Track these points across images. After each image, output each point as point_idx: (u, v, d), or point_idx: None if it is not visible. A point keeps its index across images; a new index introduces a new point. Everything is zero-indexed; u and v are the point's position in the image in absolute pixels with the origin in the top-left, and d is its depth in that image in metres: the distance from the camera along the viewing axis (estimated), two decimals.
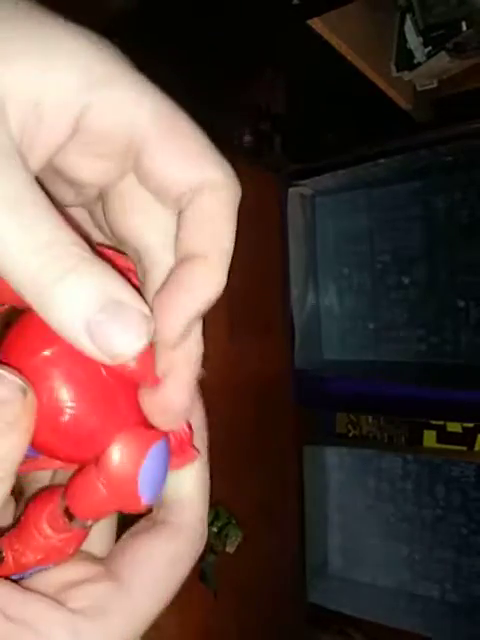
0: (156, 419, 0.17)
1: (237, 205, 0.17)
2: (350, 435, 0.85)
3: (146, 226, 0.17)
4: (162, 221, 0.17)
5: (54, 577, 0.18)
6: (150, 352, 0.17)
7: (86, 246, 0.14)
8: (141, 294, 0.15)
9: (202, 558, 0.59)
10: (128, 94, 0.15)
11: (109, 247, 0.18)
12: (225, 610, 0.68)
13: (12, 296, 0.17)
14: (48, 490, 0.18)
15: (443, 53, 0.72)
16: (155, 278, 0.17)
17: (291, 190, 0.74)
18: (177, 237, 0.17)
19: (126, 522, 0.20)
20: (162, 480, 0.17)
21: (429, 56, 0.73)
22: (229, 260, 0.17)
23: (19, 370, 0.16)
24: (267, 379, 0.75)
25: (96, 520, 0.18)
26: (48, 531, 0.17)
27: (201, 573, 0.63)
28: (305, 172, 0.72)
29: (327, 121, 0.72)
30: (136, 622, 0.17)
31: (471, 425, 0.73)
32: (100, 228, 0.19)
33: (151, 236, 0.17)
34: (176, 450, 0.18)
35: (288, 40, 0.62)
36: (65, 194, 0.18)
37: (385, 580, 0.83)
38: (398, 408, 0.75)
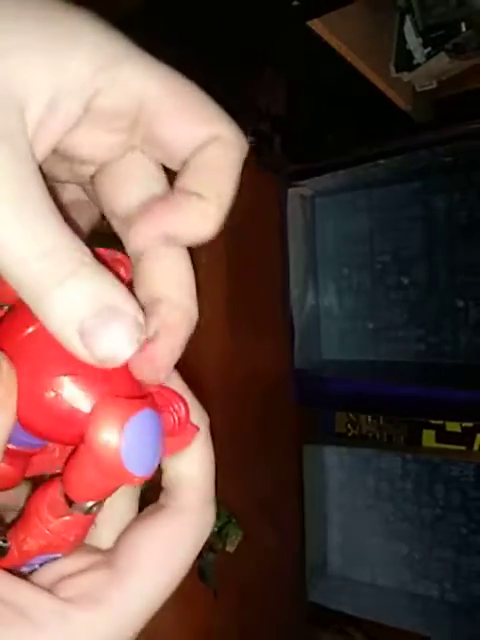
0: (142, 371, 0.16)
1: (242, 160, 0.17)
2: (350, 435, 0.85)
3: (144, 197, 0.17)
4: (160, 191, 0.17)
5: (51, 570, 0.17)
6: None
7: (87, 250, 0.14)
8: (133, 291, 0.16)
9: (202, 557, 0.59)
10: (135, 71, 0.15)
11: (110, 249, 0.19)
12: (225, 609, 0.68)
13: (13, 297, 0.17)
14: (51, 479, 0.18)
15: (442, 54, 0.72)
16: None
17: (291, 190, 0.74)
18: (177, 180, 0.17)
19: None
20: (154, 451, 0.16)
21: (428, 57, 0.73)
22: (227, 207, 0.17)
23: (3, 350, 0.16)
24: (267, 379, 0.76)
25: (95, 502, 0.17)
26: (48, 517, 0.17)
27: (201, 572, 0.63)
28: (305, 172, 0.72)
29: (327, 122, 0.72)
30: (132, 610, 0.17)
31: (470, 425, 0.73)
32: (93, 201, 0.19)
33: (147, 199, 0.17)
34: (173, 430, 0.17)
35: (288, 41, 0.62)
36: (60, 172, 0.18)
37: (385, 579, 0.83)
38: (397, 408, 0.75)
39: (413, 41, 0.73)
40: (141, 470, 0.16)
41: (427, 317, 0.76)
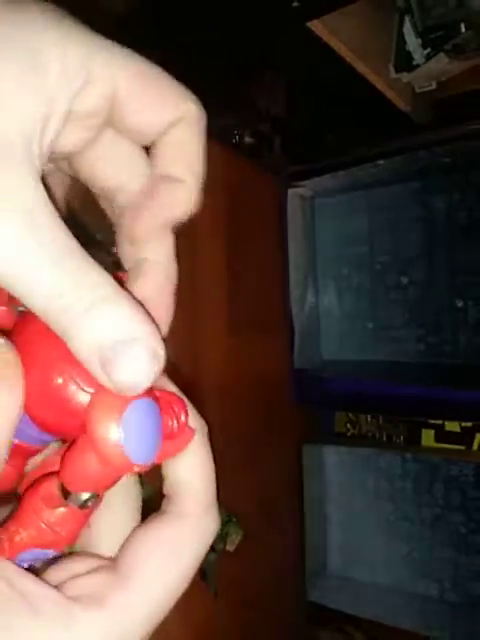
0: None
1: (204, 132, 0.18)
2: (349, 434, 0.85)
3: (123, 169, 0.19)
4: (136, 160, 0.19)
5: (59, 571, 0.18)
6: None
7: (110, 281, 0.15)
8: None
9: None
10: (103, 67, 0.16)
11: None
12: (225, 608, 0.68)
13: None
14: (47, 473, 0.18)
15: (442, 55, 0.73)
16: (123, 200, 0.19)
17: (291, 191, 0.74)
18: (153, 164, 0.18)
19: None
20: (153, 440, 0.16)
21: (428, 58, 0.74)
22: (202, 178, 0.19)
23: (19, 342, 0.16)
24: (267, 378, 0.76)
25: (91, 494, 0.17)
26: (43, 509, 0.17)
27: (202, 572, 0.63)
28: (305, 173, 0.73)
29: (326, 122, 0.72)
30: (136, 614, 0.17)
31: (469, 424, 0.73)
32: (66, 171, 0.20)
33: (129, 175, 0.19)
34: (172, 433, 0.18)
35: (288, 42, 0.62)
36: None
37: (384, 578, 0.83)
38: (397, 407, 0.75)
39: (412, 42, 0.73)
40: (140, 458, 0.16)
41: (427, 317, 0.76)
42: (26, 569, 0.17)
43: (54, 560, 0.18)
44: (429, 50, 0.73)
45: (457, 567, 0.78)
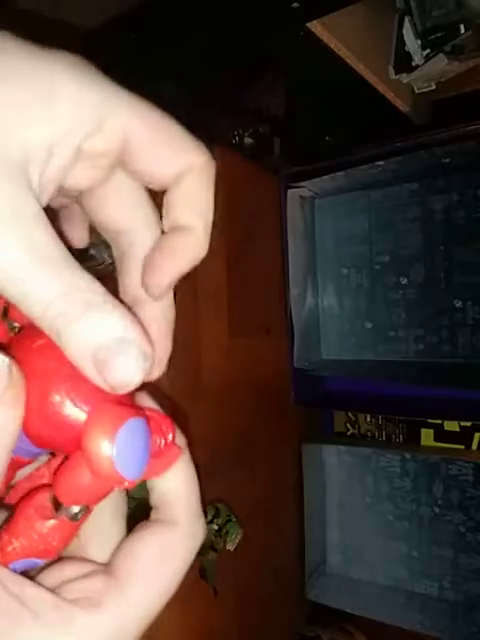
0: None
1: (214, 181, 0.19)
2: (349, 434, 0.85)
3: (128, 213, 0.20)
4: (142, 207, 0.20)
5: (51, 575, 0.18)
6: None
7: (99, 287, 0.16)
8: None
9: (203, 555, 0.59)
10: (118, 114, 0.17)
11: None
12: (225, 607, 0.68)
13: (24, 318, 0.18)
14: (40, 485, 0.19)
15: (441, 55, 0.73)
16: (137, 253, 0.20)
17: (290, 192, 0.75)
18: (165, 213, 0.19)
19: None
20: (142, 457, 0.17)
21: (427, 59, 0.74)
22: (210, 229, 0.19)
23: (16, 359, 0.17)
24: (266, 378, 0.76)
25: (82, 507, 0.18)
26: (35, 519, 0.18)
27: (202, 570, 0.63)
28: (304, 174, 0.73)
29: (326, 123, 0.73)
30: (132, 615, 0.18)
31: (468, 424, 0.73)
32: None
33: (134, 220, 0.20)
34: (160, 452, 0.19)
35: (287, 43, 0.62)
36: None
37: (384, 578, 0.84)
38: (396, 407, 0.75)
39: (412, 43, 0.74)
40: (131, 474, 0.17)
41: (425, 317, 0.76)
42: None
43: (44, 567, 0.19)
44: (428, 51, 0.73)
45: (456, 566, 0.78)
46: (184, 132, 0.18)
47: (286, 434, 0.81)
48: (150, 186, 0.19)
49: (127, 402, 0.18)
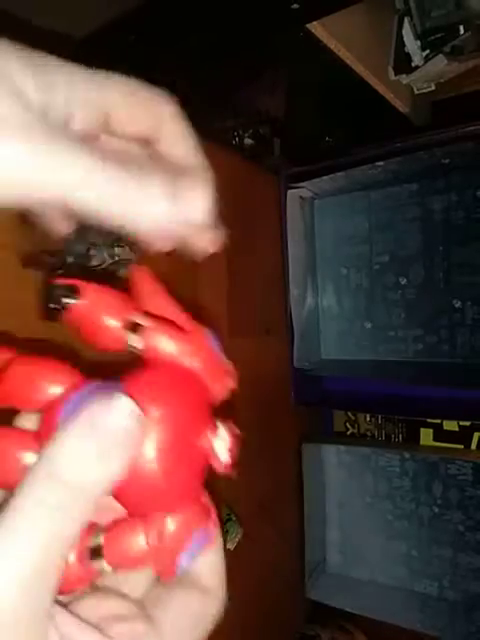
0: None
1: (187, 122, 0.22)
2: (348, 433, 0.86)
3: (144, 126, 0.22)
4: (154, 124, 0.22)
5: (96, 607, 0.19)
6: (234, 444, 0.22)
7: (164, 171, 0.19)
8: None
9: None
10: (93, 93, 0.19)
11: None
12: (225, 606, 0.69)
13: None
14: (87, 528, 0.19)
15: (441, 56, 0.73)
16: (161, 148, 0.22)
17: (290, 192, 0.75)
18: (154, 155, 0.22)
19: None
20: (195, 556, 0.19)
21: (427, 59, 0.74)
22: (199, 149, 0.23)
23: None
24: (266, 378, 0.76)
25: (120, 570, 0.19)
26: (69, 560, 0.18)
27: None
28: (304, 174, 0.73)
29: (326, 124, 0.73)
30: None
31: (468, 423, 0.73)
32: None
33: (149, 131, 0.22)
34: (209, 539, 0.20)
35: (287, 44, 0.62)
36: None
37: (383, 577, 0.84)
38: (395, 406, 0.76)
39: (411, 44, 0.74)
40: (183, 570, 0.19)
41: (425, 317, 0.76)
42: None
43: (83, 597, 0.20)
44: (428, 52, 0.73)
45: (455, 565, 0.78)
46: (149, 89, 0.21)
47: (286, 434, 0.81)
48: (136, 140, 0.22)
49: (205, 497, 0.20)
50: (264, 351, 0.76)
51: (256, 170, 0.72)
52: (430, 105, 0.79)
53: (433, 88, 0.75)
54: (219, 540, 0.22)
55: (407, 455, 0.80)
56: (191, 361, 0.21)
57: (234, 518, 0.66)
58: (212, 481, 0.23)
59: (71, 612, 0.18)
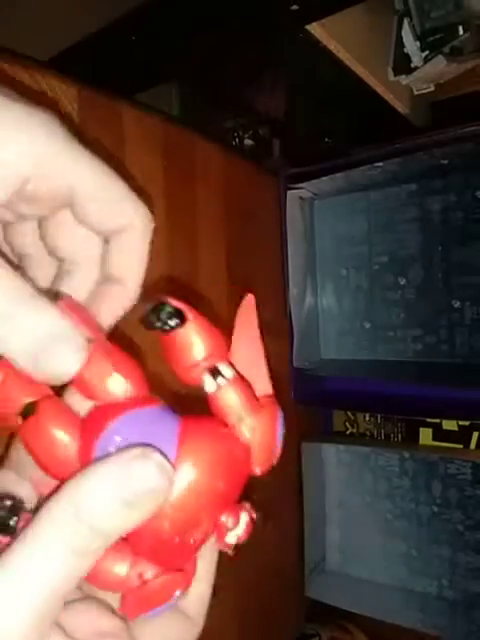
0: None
1: (149, 241, 0.22)
2: (348, 433, 0.86)
3: (74, 244, 0.22)
4: (88, 242, 0.22)
5: (84, 621, 0.20)
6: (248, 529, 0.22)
7: (27, 286, 0.18)
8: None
9: None
10: (68, 171, 0.19)
11: None
12: (225, 605, 0.69)
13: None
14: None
15: (440, 57, 0.73)
16: (77, 280, 0.22)
17: (290, 193, 0.75)
18: (104, 261, 0.22)
19: None
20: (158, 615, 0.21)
21: (426, 60, 0.74)
22: (142, 281, 0.22)
23: None
24: None
25: (89, 583, 0.19)
26: None
27: None
28: (304, 175, 0.73)
29: (325, 125, 0.73)
30: None
31: (467, 423, 0.74)
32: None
33: (79, 252, 0.22)
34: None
35: (287, 45, 0.62)
36: None
37: (383, 576, 0.84)
38: (395, 406, 0.76)
39: (411, 44, 0.74)
40: (141, 618, 0.20)
41: (424, 317, 0.77)
42: None
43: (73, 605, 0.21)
44: (427, 52, 0.74)
45: (455, 565, 0.78)
46: (128, 190, 0.21)
47: (285, 433, 0.81)
48: (97, 233, 0.21)
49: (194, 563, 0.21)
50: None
51: (256, 171, 0.72)
52: (429, 106, 0.79)
53: (432, 89, 0.75)
54: (206, 579, 0.24)
55: (406, 455, 0.81)
56: (249, 436, 0.21)
57: None
58: None
59: (62, 630, 0.19)
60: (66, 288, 0.22)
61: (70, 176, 0.19)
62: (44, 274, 0.22)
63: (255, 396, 0.23)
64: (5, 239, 0.23)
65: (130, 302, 0.22)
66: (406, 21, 0.73)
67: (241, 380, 0.22)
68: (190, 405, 0.21)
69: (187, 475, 0.18)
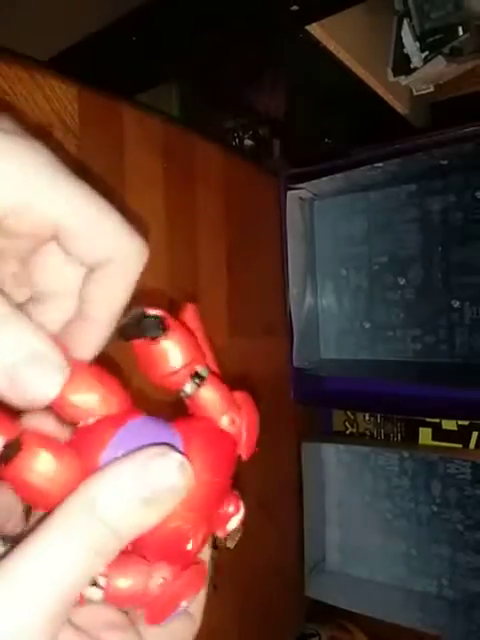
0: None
1: (139, 269, 0.20)
2: (347, 432, 0.86)
3: (53, 279, 0.21)
4: (67, 277, 0.21)
5: (91, 614, 0.20)
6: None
7: (5, 303, 0.17)
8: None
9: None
10: (53, 206, 0.18)
11: None
12: (224, 604, 0.69)
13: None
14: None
15: (440, 58, 0.73)
16: (53, 313, 0.21)
17: (290, 193, 0.75)
18: (82, 292, 0.20)
19: None
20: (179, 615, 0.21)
21: (426, 61, 0.74)
22: (117, 317, 0.21)
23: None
24: (266, 377, 0.76)
25: (109, 602, 0.19)
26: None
27: None
28: (304, 175, 0.73)
29: (325, 125, 0.73)
30: None
31: (466, 423, 0.74)
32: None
33: (58, 286, 0.21)
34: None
35: (287, 45, 0.62)
36: None
37: (382, 575, 0.84)
38: (394, 406, 0.76)
39: (411, 45, 0.74)
40: (165, 622, 0.21)
41: (423, 317, 0.77)
42: None
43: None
44: (427, 53, 0.74)
45: (454, 564, 0.78)
46: (119, 226, 0.20)
47: (285, 433, 0.81)
48: (81, 264, 0.21)
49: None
50: (264, 351, 0.76)
51: (256, 171, 0.72)
52: (429, 106, 0.79)
53: (432, 89, 0.75)
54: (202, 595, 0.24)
55: (406, 454, 0.81)
56: (233, 427, 0.22)
57: None
58: None
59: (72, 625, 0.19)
60: (38, 318, 0.21)
61: (55, 211, 0.18)
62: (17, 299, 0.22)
63: (228, 390, 0.23)
64: None
65: (102, 339, 0.21)
66: (406, 22, 0.73)
67: (216, 377, 0.22)
68: (162, 409, 0.21)
69: (195, 473, 0.18)
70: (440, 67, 0.72)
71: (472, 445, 0.74)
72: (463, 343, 0.74)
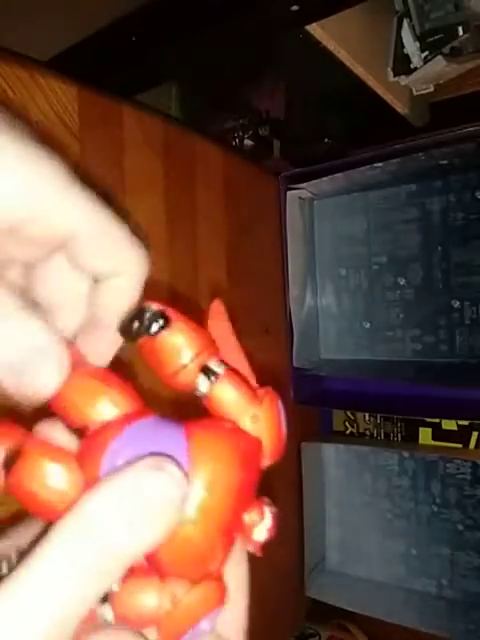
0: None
1: (143, 278, 0.21)
2: (347, 432, 0.86)
3: (62, 289, 0.21)
4: (76, 288, 0.21)
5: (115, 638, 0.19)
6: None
7: (14, 299, 0.17)
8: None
9: None
10: (68, 217, 0.18)
11: None
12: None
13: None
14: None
15: (440, 58, 0.73)
16: (63, 321, 0.21)
17: (290, 193, 0.75)
18: (92, 301, 0.21)
19: None
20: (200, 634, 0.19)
21: (426, 61, 0.74)
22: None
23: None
24: (266, 377, 0.76)
25: (120, 622, 0.18)
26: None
27: None
28: (304, 175, 0.73)
29: (325, 125, 0.73)
30: None
31: (466, 423, 0.74)
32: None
33: (66, 297, 0.21)
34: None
35: (286, 45, 0.62)
36: None
37: (382, 575, 0.84)
38: (394, 406, 0.76)
39: (411, 45, 0.74)
40: None
41: (423, 317, 0.77)
42: None
43: None
44: (427, 53, 0.74)
45: (454, 564, 0.79)
46: (124, 238, 0.20)
47: (286, 432, 0.81)
48: (89, 276, 0.21)
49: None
50: (264, 351, 0.76)
51: (256, 171, 0.72)
52: (429, 106, 0.79)
53: (432, 89, 0.75)
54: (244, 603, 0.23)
55: (406, 454, 0.81)
56: (255, 428, 0.20)
57: None
58: None
59: None
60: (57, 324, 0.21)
61: (70, 219, 0.18)
62: None
63: (251, 386, 0.22)
64: None
65: (113, 347, 0.21)
66: (406, 22, 0.73)
67: (234, 373, 0.21)
68: (186, 413, 0.20)
69: (204, 477, 0.17)
70: (440, 67, 0.72)
71: (472, 445, 0.74)
72: (463, 343, 0.74)
